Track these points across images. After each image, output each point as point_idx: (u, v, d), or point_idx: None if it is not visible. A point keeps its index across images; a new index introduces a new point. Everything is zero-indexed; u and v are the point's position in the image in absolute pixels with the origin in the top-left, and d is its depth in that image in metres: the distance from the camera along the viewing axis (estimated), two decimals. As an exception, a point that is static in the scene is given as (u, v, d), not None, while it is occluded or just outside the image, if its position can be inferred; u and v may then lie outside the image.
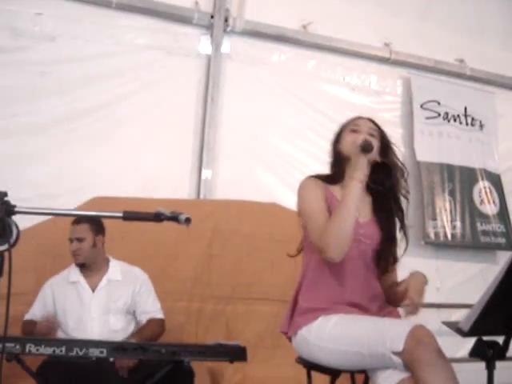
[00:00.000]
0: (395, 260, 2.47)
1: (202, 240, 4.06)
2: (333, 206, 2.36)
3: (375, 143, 2.42)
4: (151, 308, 3.28)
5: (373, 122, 2.56)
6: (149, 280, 3.36)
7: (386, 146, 2.51)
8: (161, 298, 3.43)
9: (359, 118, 2.57)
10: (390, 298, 2.43)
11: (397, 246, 2.47)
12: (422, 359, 1.86)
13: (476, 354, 1.79)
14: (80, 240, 3.18)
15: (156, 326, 3.23)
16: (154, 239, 3.90)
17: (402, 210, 2.52)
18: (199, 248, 4.05)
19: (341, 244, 2.23)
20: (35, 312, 3.22)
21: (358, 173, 2.30)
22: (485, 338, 1.78)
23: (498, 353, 1.76)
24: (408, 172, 2.58)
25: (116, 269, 3.30)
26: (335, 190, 2.44)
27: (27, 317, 3.21)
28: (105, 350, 2.23)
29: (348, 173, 2.40)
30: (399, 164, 2.53)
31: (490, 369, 1.78)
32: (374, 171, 2.45)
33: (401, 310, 2.32)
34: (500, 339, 1.79)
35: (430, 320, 2.87)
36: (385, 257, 2.42)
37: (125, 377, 2.80)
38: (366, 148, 2.30)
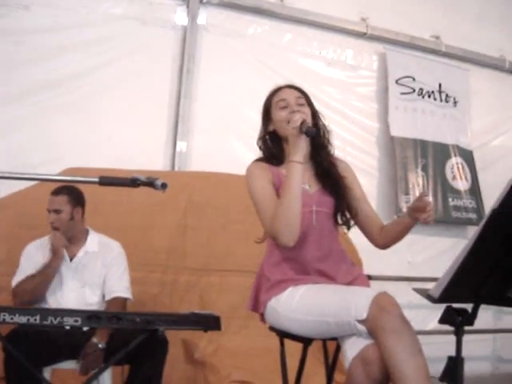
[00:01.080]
0: (353, 214, 2.49)
1: (176, 212, 4.07)
2: (281, 183, 2.37)
3: (306, 111, 2.44)
4: (115, 283, 3.18)
5: (296, 88, 2.55)
6: (123, 255, 3.29)
7: (314, 109, 2.53)
8: (135, 269, 3.43)
9: (282, 88, 2.56)
10: (387, 236, 2.46)
11: (353, 201, 2.51)
12: (385, 326, 1.89)
13: (445, 320, 1.83)
14: (58, 212, 3.13)
15: (117, 307, 3.09)
16: (129, 210, 3.91)
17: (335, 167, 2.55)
18: (174, 220, 4.06)
19: (291, 229, 2.25)
20: (26, 271, 3.08)
21: (299, 155, 2.29)
22: (454, 306, 1.83)
23: (467, 320, 1.81)
24: (329, 132, 2.59)
25: (94, 241, 3.26)
26: (283, 170, 2.43)
27: (17, 279, 3.08)
28: (79, 319, 2.22)
29: (288, 152, 2.40)
30: (324, 125, 2.56)
31: (459, 335, 1.83)
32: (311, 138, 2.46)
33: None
34: (469, 307, 1.84)
35: (402, 292, 2.93)
36: (342, 214, 2.47)
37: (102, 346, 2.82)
38: (310, 133, 2.28)
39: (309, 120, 2.41)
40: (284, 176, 2.38)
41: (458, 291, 1.71)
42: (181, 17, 4.62)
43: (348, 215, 2.50)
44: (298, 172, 2.28)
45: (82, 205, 3.25)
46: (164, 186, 1.75)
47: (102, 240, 3.30)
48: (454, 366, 1.79)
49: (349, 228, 2.53)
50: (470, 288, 1.75)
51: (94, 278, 3.17)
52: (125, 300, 3.19)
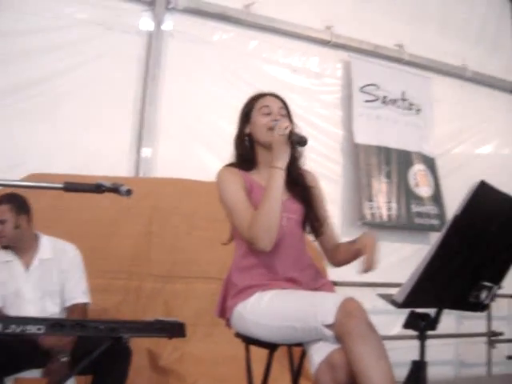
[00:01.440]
0: (321, 223, 2.51)
1: (141, 218, 4.04)
2: (254, 192, 2.39)
3: (287, 122, 2.42)
4: (73, 289, 3.10)
5: (279, 98, 2.58)
6: (79, 257, 3.19)
7: (292, 122, 2.53)
8: (99, 276, 3.41)
9: (265, 95, 2.57)
10: (339, 258, 2.51)
11: (319, 209, 2.53)
12: (352, 331, 1.91)
13: (409, 325, 1.86)
14: (1, 222, 3.06)
15: (77, 314, 3.04)
16: (93, 217, 3.86)
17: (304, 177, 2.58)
18: (138, 226, 4.03)
19: (270, 235, 2.26)
20: None
21: (282, 162, 2.30)
22: (417, 311, 1.85)
23: (430, 324, 1.84)
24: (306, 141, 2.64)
25: (46, 247, 3.14)
26: (254, 175, 2.45)
27: None
28: (42, 327, 2.19)
29: (263, 158, 2.44)
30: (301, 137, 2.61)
31: (422, 340, 1.86)
32: None
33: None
34: (432, 312, 1.87)
35: (366, 298, 2.95)
36: (310, 222, 2.49)
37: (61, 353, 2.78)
38: (302, 143, 2.29)
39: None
40: (255, 182, 2.40)
41: (421, 296, 1.73)
42: (146, 22, 4.61)
43: (316, 224, 2.52)
44: (281, 178, 2.30)
45: (26, 211, 3.11)
46: (129, 192, 1.74)
47: (55, 245, 3.17)
48: (418, 370, 1.82)
49: (317, 236, 2.56)
50: (432, 293, 1.78)
51: (52, 286, 3.07)
52: (84, 305, 3.12)
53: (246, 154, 2.51)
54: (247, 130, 2.54)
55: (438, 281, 1.73)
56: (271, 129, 2.39)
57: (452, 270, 1.73)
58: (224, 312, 2.45)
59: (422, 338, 1.84)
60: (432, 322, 1.83)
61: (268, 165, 2.40)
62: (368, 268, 2.23)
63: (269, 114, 2.48)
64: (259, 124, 2.48)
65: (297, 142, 2.29)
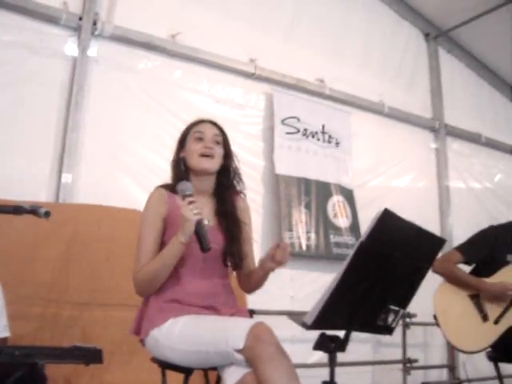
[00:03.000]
0: (241, 258, 2.58)
1: (60, 244, 3.97)
2: (174, 216, 2.44)
3: (219, 151, 2.55)
4: None
5: (216, 125, 2.66)
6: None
7: (228, 150, 2.64)
8: (15, 302, 3.31)
9: (203, 121, 2.66)
10: (251, 280, 2.58)
11: (243, 244, 2.60)
12: (261, 355, 1.96)
13: (319, 347, 1.93)
14: None
15: None
16: (10, 241, 3.77)
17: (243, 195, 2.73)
18: (57, 252, 3.95)
19: (148, 290, 2.44)
20: None
21: (185, 238, 2.33)
22: (328, 333, 1.92)
23: (340, 346, 1.91)
24: (240, 175, 2.73)
25: None
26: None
27: None
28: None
29: (194, 183, 2.52)
30: (237, 167, 2.70)
31: (332, 361, 1.92)
32: (219, 175, 2.60)
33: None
34: (341, 333, 1.94)
35: (285, 326, 3.01)
36: (231, 256, 2.54)
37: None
38: (204, 248, 2.32)
39: (218, 160, 2.56)
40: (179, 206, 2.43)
41: (330, 318, 1.80)
42: (71, 48, 4.57)
43: (237, 258, 2.57)
44: (179, 252, 2.35)
45: None
46: (47, 214, 1.75)
47: None
48: (328, 391, 1.88)
49: (235, 268, 2.61)
50: (342, 315, 1.86)
51: None
52: (4, 339, 3.04)
53: (181, 176, 2.56)
54: (182, 154, 2.60)
55: (345, 304, 1.81)
56: (203, 155, 2.48)
57: (359, 293, 1.81)
58: (139, 331, 2.47)
59: (332, 359, 1.91)
60: (342, 344, 1.90)
61: (199, 190, 2.52)
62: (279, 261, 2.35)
63: (201, 140, 2.55)
64: (190, 150, 2.57)
65: (202, 249, 2.33)
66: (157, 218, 2.46)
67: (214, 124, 2.66)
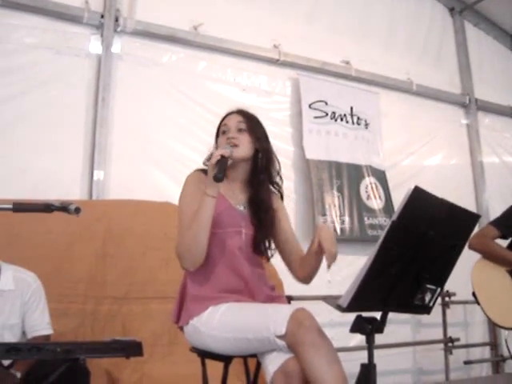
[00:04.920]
0: (279, 245, 2.60)
1: (95, 241, 4.02)
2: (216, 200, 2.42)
3: (242, 138, 2.53)
4: (37, 322, 3.05)
5: (241, 112, 2.65)
6: (40, 289, 3.13)
7: (256, 134, 2.60)
8: (54, 301, 3.35)
9: (229, 114, 2.66)
10: (304, 268, 2.51)
11: (278, 231, 2.60)
12: (304, 340, 1.96)
13: (356, 329, 1.91)
14: None
15: None
16: (46, 241, 3.83)
17: (281, 193, 2.70)
18: (92, 249, 3.99)
19: (193, 257, 2.34)
20: None
21: (212, 189, 2.33)
22: (364, 314, 1.91)
23: (377, 327, 1.89)
24: (279, 163, 2.68)
25: (8, 276, 3.03)
26: (220, 184, 2.51)
27: None
28: (-2, 352, 2.16)
29: (227, 172, 2.46)
30: (272, 153, 2.65)
31: (370, 343, 1.91)
32: (253, 162, 2.58)
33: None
34: (378, 315, 1.92)
35: (323, 311, 3.01)
36: (259, 244, 2.53)
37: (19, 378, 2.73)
38: (215, 179, 2.30)
39: (245, 147, 2.52)
40: (218, 192, 2.43)
41: (365, 300, 1.79)
42: (95, 46, 4.61)
43: (268, 246, 2.58)
44: (210, 205, 2.33)
45: None
46: (77, 210, 1.76)
47: (16, 275, 3.07)
48: (367, 372, 1.87)
49: (268, 259, 2.61)
50: (377, 297, 1.84)
51: (13, 319, 2.99)
52: (48, 336, 3.08)
53: None
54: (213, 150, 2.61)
55: (380, 284, 1.79)
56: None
57: (394, 273, 1.80)
58: (178, 320, 2.49)
59: (370, 341, 1.90)
60: (379, 325, 1.89)
61: (233, 179, 2.57)
62: (330, 257, 2.26)
63: (225, 133, 2.57)
64: (219, 144, 2.59)
65: (213, 175, 2.30)
66: (196, 192, 2.44)
67: (239, 112, 2.65)
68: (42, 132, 4.28)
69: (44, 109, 4.33)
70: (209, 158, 2.50)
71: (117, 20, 4.66)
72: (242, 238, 2.47)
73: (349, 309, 1.78)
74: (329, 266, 2.28)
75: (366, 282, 1.72)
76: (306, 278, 2.55)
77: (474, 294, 3.78)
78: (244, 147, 2.53)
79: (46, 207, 1.73)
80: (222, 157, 2.32)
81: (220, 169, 2.28)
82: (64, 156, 4.34)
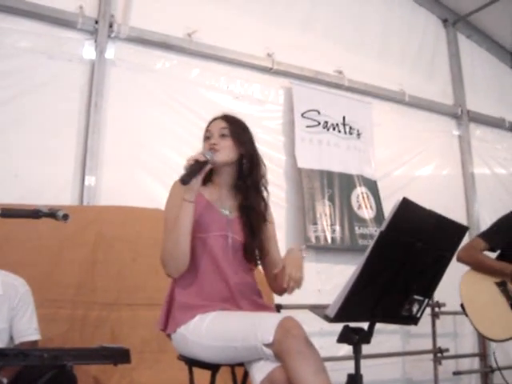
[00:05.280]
0: (264, 254, 2.60)
1: (85, 246, 4.00)
2: (199, 205, 2.45)
3: (223, 143, 2.54)
4: (24, 327, 3.03)
5: (224, 118, 2.66)
6: (29, 294, 3.12)
7: (242, 140, 2.61)
8: (43, 306, 3.35)
9: (214, 119, 2.68)
10: (278, 283, 2.50)
11: (265, 240, 2.61)
12: (291, 349, 1.96)
13: (343, 339, 1.92)
14: None
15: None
16: (35, 246, 3.81)
17: (265, 202, 2.68)
18: (83, 254, 3.98)
19: (175, 263, 2.38)
20: None
21: (189, 194, 2.36)
22: (352, 325, 1.91)
23: (364, 338, 1.90)
24: (266, 167, 2.70)
25: None
26: (204, 190, 2.53)
27: None
28: (-16, 358, 2.15)
29: (211, 177, 2.54)
30: (258, 158, 2.66)
31: (357, 353, 1.91)
32: (237, 166, 2.60)
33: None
34: (366, 325, 1.93)
35: (313, 321, 3.00)
36: (251, 250, 2.54)
37: (5, 384, 2.72)
38: (183, 180, 2.32)
39: (226, 152, 2.53)
40: (201, 196, 2.48)
41: (352, 310, 1.79)
42: (89, 51, 4.61)
43: (257, 253, 2.58)
44: (187, 210, 2.36)
45: None
46: (65, 216, 1.76)
47: (5, 279, 3.06)
48: (354, 383, 1.87)
49: (256, 265, 2.61)
50: (364, 307, 1.84)
51: (0, 324, 2.97)
52: (36, 342, 3.07)
53: None
54: None
55: (368, 295, 1.79)
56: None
57: (381, 284, 1.80)
58: (165, 327, 2.49)
59: (357, 351, 1.90)
60: (366, 336, 1.89)
61: (219, 184, 2.59)
62: (292, 282, 2.26)
63: (208, 138, 2.58)
64: (202, 148, 2.60)
65: (180, 179, 2.32)
66: (179, 199, 2.45)
67: (224, 117, 2.66)
68: (33, 137, 4.26)
69: (36, 113, 4.31)
70: None
71: (111, 26, 4.65)
72: (227, 242, 2.48)
73: (336, 319, 1.78)
74: (289, 290, 2.28)
75: (353, 293, 1.72)
76: (280, 292, 2.57)
77: (462, 306, 3.80)
78: (225, 152, 2.54)
79: (34, 213, 1.73)
80: (197, 161, 2.33)
81: (189, 173, 2.30)
82: (56, 161, 4.33)
